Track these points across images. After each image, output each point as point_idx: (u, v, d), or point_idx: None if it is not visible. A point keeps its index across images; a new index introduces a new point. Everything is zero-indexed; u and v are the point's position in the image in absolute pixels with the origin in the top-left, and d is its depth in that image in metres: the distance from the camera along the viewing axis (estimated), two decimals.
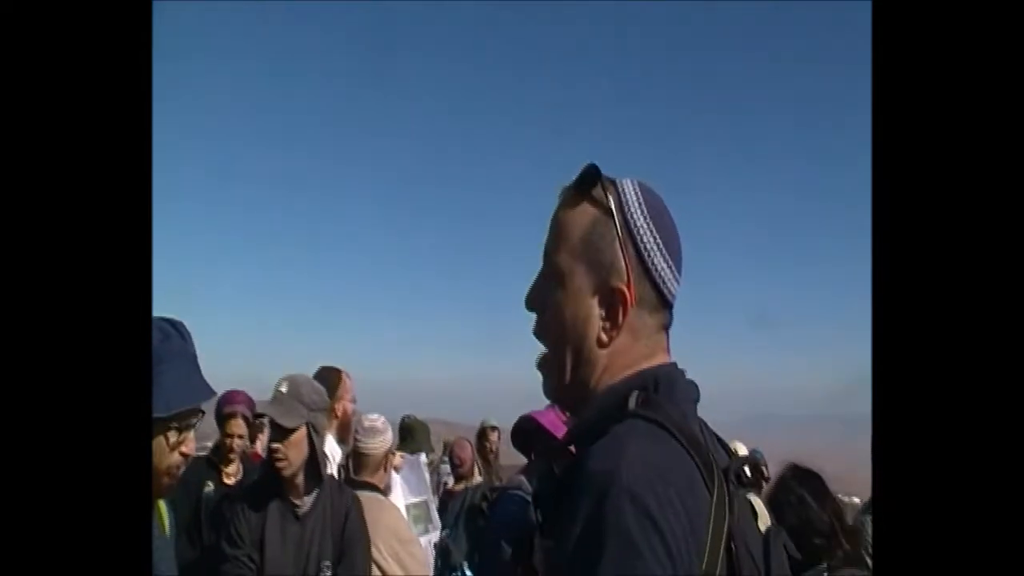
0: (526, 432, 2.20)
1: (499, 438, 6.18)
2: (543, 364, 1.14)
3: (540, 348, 1.14)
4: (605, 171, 1.10)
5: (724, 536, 0.91)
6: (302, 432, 2.73)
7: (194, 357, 1.72)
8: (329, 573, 2.73)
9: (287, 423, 2.69)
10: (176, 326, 1.69)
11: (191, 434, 1.72)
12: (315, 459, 2.77)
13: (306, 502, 2.79)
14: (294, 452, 2.71)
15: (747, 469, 1.04)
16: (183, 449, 1.69)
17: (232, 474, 4.16)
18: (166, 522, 2.02)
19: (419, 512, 4.22)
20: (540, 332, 1.13)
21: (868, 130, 0.99)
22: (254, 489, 2.90)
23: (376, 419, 3.40)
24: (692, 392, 1.10)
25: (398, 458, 4.20)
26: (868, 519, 3.96)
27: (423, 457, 4.88)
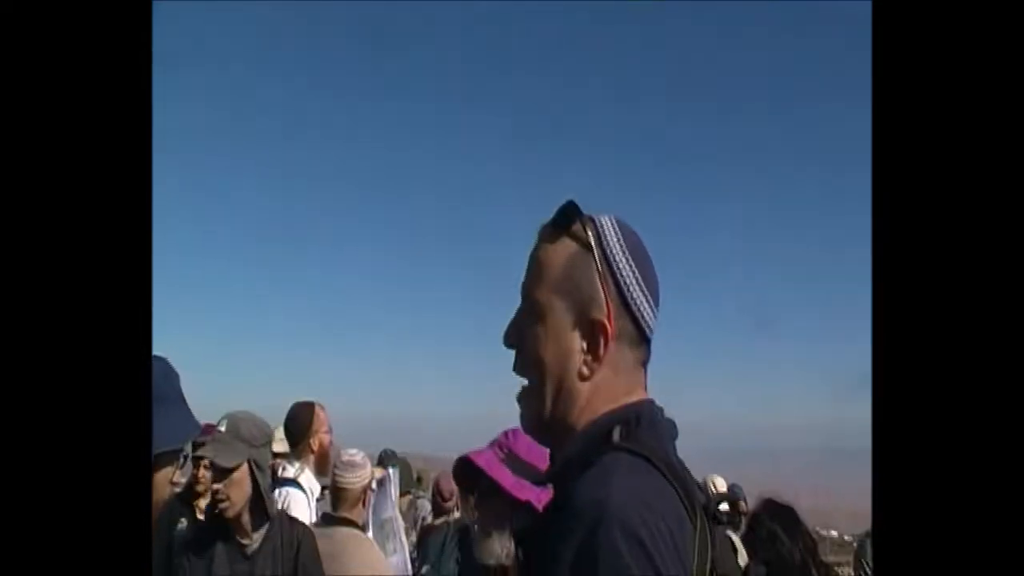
0: (468, 471, 2.20)
1: None
2: (523, 397, 1.13)
3: (519, 381, 1.14)
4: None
5: (707, 570, 0.92)
6: (243, 470, 2.68)
7: (181, 392, 1.77)
8: None
9: (225, 463, 2.64)
10: (168, 363, 1.72)
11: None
12: (260, 496, 2.73)
13: (255, 540, 2.73)
14: (235, 492, 2.66)
15: (723, 507, 1.06)
16: (174, 479, 1.71)
17: (205, 509, 4.09)
18: None
19: (385, 530, 4.15)
20: (520, 368, 1.13)
21: (868, 131, 1.00)
22: (202, 530, 2.85)
23: (355, 454, 3.37)
24: (671, 429, 1.11)
25: (378, 470, 4.12)
26: (867, 547, 3.97)
27: (392, 472, 4.74)
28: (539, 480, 2.11)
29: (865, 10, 1.10)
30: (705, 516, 0.97)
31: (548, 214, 1.13)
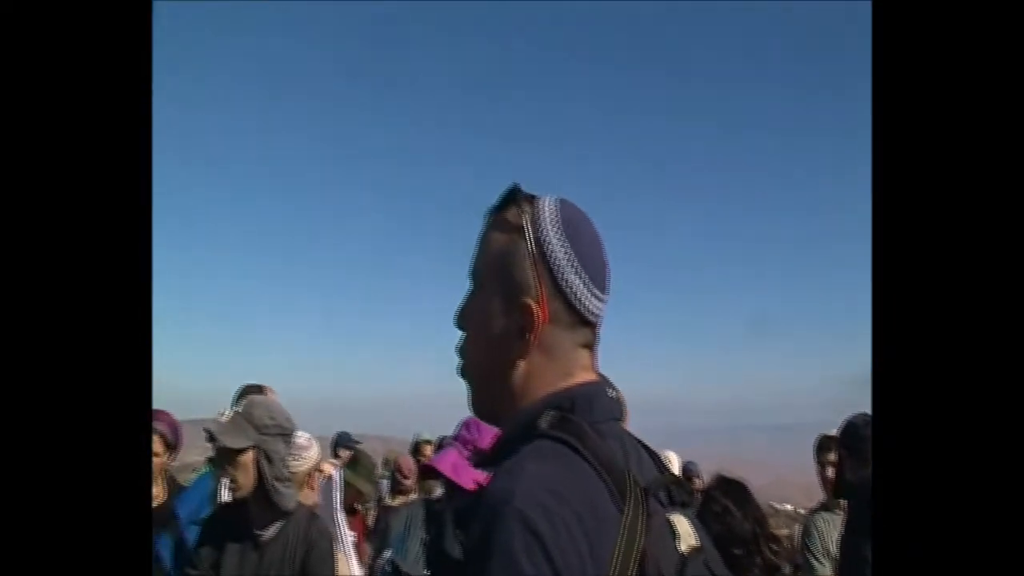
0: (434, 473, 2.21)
1: (433, 452, 6.04)
2: (464, 375, 1.15)
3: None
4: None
5: (634, 559, 0.89)
6: (249, 456, 2.59)
7: None
8: None
9: (230, 443, 2.57)
10: None
11: None
12: (265, 487, 2.62)
13: (269, 531, 2.64)
14: (242, 475, 2.58)
15: (676, 487, 1.03)
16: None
17: (155, 496, 4.01)
18: None
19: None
20: (461, 348, 1.15)
21: (868, 129, 1.00)
22: (222, 511, 2.80)
23: (298, 437, 3.32)
24: (614, 410, 1.08)
25: (327, 465, 4.03)
26: (814, 522, 3.95)
27: (337, 476, 4.63)
28: (484, 464, 2.14)
29: (865, 10, 1.11)
30: (644, 501, 0.95)
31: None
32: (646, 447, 1.12)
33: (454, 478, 2.08)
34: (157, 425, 4.00)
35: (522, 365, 1.07)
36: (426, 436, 6.45)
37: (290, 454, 3.23)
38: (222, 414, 2.70)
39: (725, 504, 2.60)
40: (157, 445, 3.98)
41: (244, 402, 2.70)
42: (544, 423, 1.00)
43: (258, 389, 3.79)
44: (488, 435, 2.13)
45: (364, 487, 4.99)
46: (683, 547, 0.98)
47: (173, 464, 4.20)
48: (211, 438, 2.64)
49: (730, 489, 2.71)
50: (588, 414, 1.02)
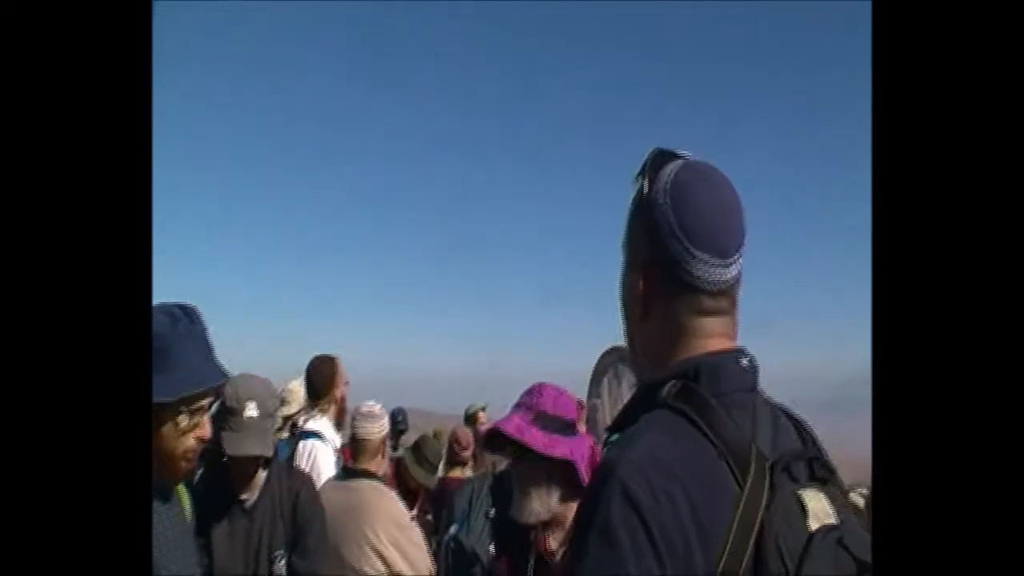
0: (499, 438, 2.16)
1: (488, 422, 6.01)
2: None
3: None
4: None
5: (753, 533, 0.88)
6: None
7: (205, 341, 1.70)
8: (283, 562, 2.58)
9: (268, 452, 2.54)
10: (185, 310, 1.67)
11: (206, 418, 1.69)
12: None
13: (252, 495, 2.62)
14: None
15: (815, 462, 1.00)
16: (197, 433, 1.66)
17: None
18: (187, 509, 1.95)
19: None
20: None
21: (868, 128, 0.99)
22: (203, 486, 2.63)
23: (374, 405, 3.39)
24: (744, 380, 1.05)
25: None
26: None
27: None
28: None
29: (865, 10, 1.08)
30: (768, 475, 0.92)
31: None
32: (795, 420, 1.09)
33: (519, 436, 2.08)
34: None
35: (643, 331, 1.09)
36: (480, 405, 6.50)
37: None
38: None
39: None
40: None
41: (253, 403, 2.48)
42: (665, 393, 0.99)
43: (330, 360, 3.85)
44: (550, 399, 2.13)
45: (424, 479, 4.63)
46: (813, 524, 0.92)
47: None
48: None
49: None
50: (714, 385, 0.99)
